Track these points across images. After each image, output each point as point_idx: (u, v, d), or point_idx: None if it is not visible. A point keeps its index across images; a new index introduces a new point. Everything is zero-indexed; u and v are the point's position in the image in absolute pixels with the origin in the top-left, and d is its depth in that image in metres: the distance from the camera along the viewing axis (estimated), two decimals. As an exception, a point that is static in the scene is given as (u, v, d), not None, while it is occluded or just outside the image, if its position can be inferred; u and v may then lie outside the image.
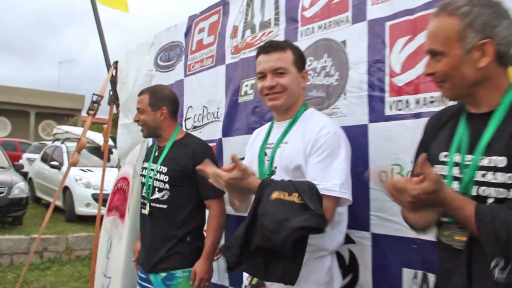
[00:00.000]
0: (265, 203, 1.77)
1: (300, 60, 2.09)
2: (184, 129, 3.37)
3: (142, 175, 2.81)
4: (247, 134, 2.84)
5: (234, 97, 3.01)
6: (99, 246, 4.37)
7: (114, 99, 4.69)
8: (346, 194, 1.88)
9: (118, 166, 4.68)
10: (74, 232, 8.50)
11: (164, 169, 2.64)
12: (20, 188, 9.08)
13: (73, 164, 4.48)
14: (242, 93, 2.96)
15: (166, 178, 2.63)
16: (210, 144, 2.93)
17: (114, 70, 4.66)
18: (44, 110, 31.13)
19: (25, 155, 16.91)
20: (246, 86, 2.93)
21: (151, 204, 2.67)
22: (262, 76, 2.09)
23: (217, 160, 2.70)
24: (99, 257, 4.37)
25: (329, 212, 1.86)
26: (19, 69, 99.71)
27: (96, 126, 13.37)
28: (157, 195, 2.66)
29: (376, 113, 2.17)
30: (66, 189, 10.12)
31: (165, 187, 2.63)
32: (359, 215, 2.16)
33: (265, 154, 2.09)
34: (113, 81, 4.67)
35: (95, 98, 4.54)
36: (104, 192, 4.89)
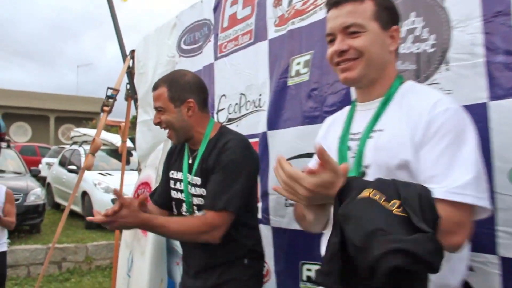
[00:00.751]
0: (349, 202, 1.15)
1: (386, 12, 1.45)
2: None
3: (175, 189, 2.17)
4: (301, 125, 2.23)
5: (282, 79, 2.38)
6: (119, 262, 3.83)
7: (131, 93, 4.14)
8: (485, 200, 1.25)
9: (139, 169, 4.13)
10: (93, 240, 8.04)
11: (198, 181, 2.04)
12: (36, 195, 8.61)
13: (88, 167, 3.93)
14: (293, 73, 2.33)
15: (203, 192, 2.02)
16: (251, 140, 2.33)
17: (131, 61, 4.12)
18: (63, 114, 31.13)
19: (44, 160, 16.66)
20: (298, 64, 2.30)
21: None
22: (332, 39, 1.48)
23: (259, 163, 2.08)
24: (119, 274, 3.82)
25: (465, 229, 1.24)
26: (38, 75, 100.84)
27: (115, 129, 12.92)
28: (197, 215, 2.06)
29: (501, 86, 1.52)
30: (85, 194, 9.69)
31: (203, 204, 2.02)
32: (479, 232, 1.51)
33: (349, 148, 1.46)
34: (130, 72, 4.14)
35: (110, 92, 3.98)
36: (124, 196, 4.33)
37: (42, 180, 13.09)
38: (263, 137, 2.46)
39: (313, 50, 2.23)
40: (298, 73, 2.30)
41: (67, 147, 14.08)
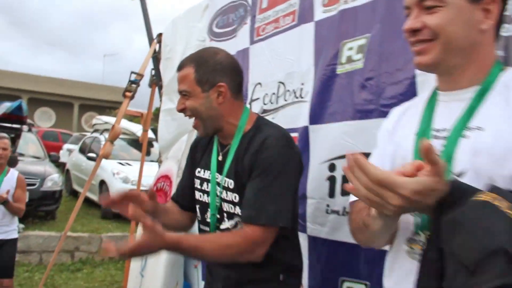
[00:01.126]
0: (461, 205, 0.87)
1: None
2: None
3: (201, 191, 1.84)
4: (352, 119, 1.91)
5: (330, 66, 2.06)
6: (132, 259, 3.56)
7: (156, 80, 3.86)
8: None
9: (159, 161, 3.86)
10: (109, 230, 7.86)
11: (231, 183, 1.70)
12: (53, 181, 8.45)
13: (105, 156, 3.67)
14: (343, 59, 2.01)
15: (235, 198, 1.68)
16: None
17: (157, 45, 3.84)
18: (87, 102, 31.29)
19: (66, 146, 16.66)
20: (350, 49, 1.98)
21: None
22: (409, 13, 1.18)
23: (302, 161, 1.74)
24: (131, 272, 3.56)
25: None
26: (66, 63, 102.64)
27: (138, 119, 12.76)
28: (227, 224, 1.72)
29: None
30: (102, 183, 9.51)
31: (237, 212, 1.69)
32: None
33: None
34: (156, 57, 3.86)
35: (133, 77, 3.70)
36: (142, 188, 4.11)
37: (62, 166, 13.02)
38: (304, 132, 2.14)
39: (370, 33, 1.91)
40: (350, 60, 1.97)
41: (88, 134, 13.99)
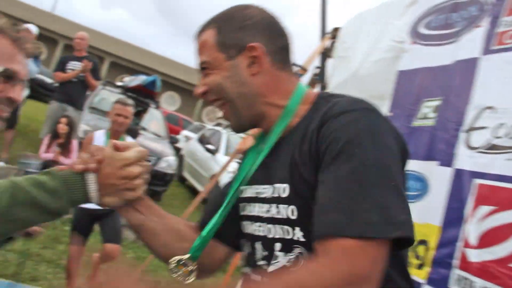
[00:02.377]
0: None
1: None
2: (465, 147, 1.78)
3: (246, 217, 1.18)
4: None
5: None
6: None
7: (319, 79, 3.31)
8: None
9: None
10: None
11: (285, 190, 1.03)
12: (168, 163, 8.29)
13: (242, 151, 3.17)
14: None
15: (293, 212, 1.01)
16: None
17: (330, 41, 3.30)
18: (214, 96, 32.28)
19: (184, 132, 16.94)
20: None
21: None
22: None
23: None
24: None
25: None
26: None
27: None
28: (281, 258, 1.04)
29: None
30: (213, 178, 9.21)
31: (296, 237, 1.01)
32: None
33: None
34: (325, 54, 3.30)
35: (295, 69, 3.17)
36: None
37: (176, 151, 13.12)
38: None
39: None
40: None
41: (209, 126, 14.03)
